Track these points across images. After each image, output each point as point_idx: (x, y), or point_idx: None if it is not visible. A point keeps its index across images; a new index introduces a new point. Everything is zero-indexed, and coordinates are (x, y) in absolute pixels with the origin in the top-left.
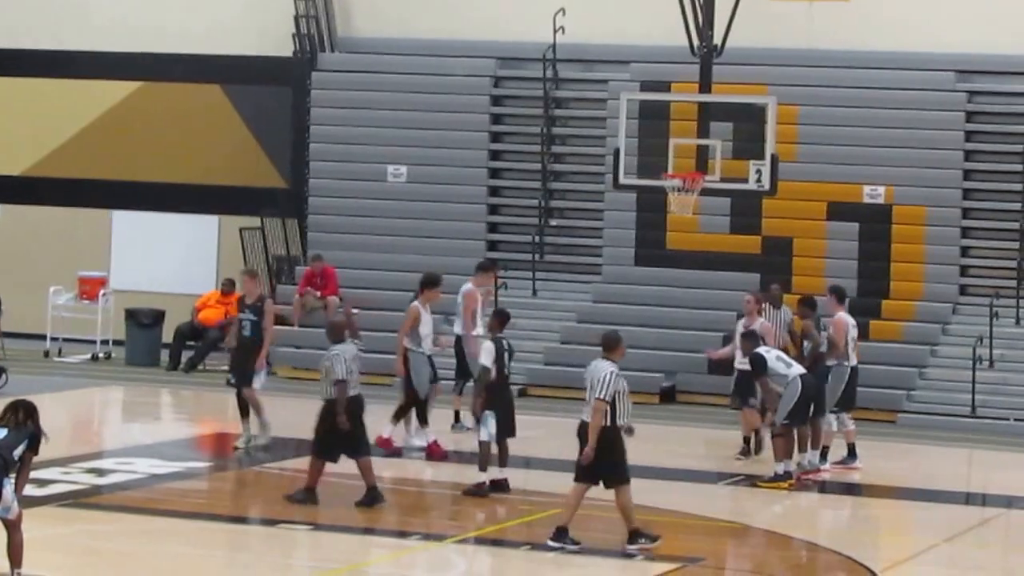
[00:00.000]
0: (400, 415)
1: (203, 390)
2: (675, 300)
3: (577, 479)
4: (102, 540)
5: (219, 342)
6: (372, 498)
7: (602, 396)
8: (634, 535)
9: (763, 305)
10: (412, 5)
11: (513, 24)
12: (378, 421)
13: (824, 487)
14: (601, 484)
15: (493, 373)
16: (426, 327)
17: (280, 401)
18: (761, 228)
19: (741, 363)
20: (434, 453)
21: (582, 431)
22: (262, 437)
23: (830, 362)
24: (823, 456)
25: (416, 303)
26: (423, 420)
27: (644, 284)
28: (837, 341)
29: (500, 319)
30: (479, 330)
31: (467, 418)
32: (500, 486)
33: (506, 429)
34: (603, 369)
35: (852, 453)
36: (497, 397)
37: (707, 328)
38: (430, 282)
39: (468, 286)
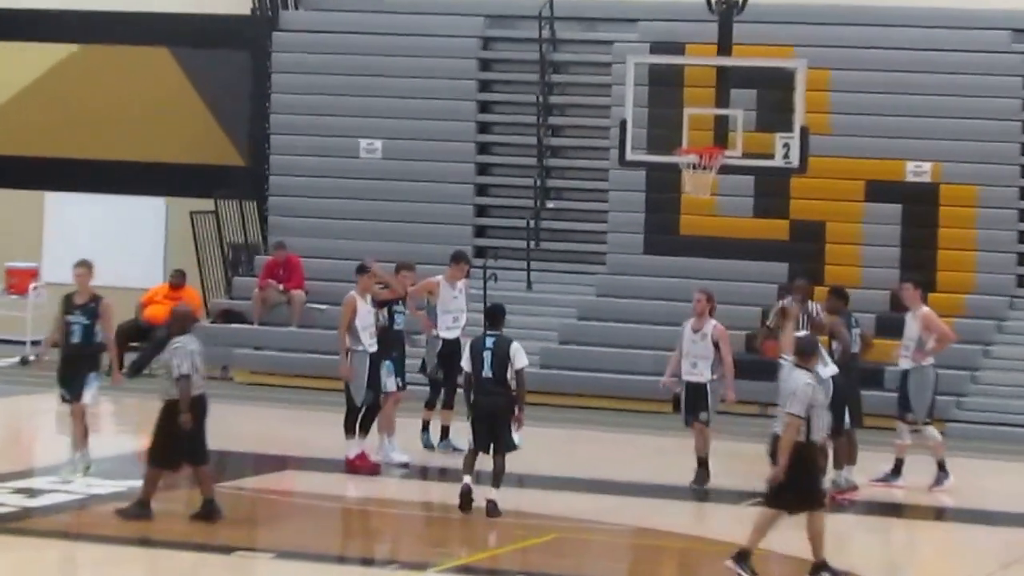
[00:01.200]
0: (366, 426)
1: (149, 398)
2: (689, 294)
3: (767, 503)
4: (34, 570)
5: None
6: (209, 512)
7: (795, 411)
8: (819, 568)
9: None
10: None
11: None
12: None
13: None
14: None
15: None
16: (364, 320)
17: (238, 409)
18: (789, 211)
19: (690, 374)
20: (361, 467)
21: (775, 447)
22: (74, 464)
23: (907, 364)
24: (942, 469)
25: (353, 293)
26: (350, 429)
27: (654, 275)
28: (945, 336)
29: (490, 316)
30: (438, 330)
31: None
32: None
33: (482, 441)
34: (800, 380)
35: (897, 470)
36: (472, 402)
37: (727, 326)
38: (363, 269)
39: (437, 278)
